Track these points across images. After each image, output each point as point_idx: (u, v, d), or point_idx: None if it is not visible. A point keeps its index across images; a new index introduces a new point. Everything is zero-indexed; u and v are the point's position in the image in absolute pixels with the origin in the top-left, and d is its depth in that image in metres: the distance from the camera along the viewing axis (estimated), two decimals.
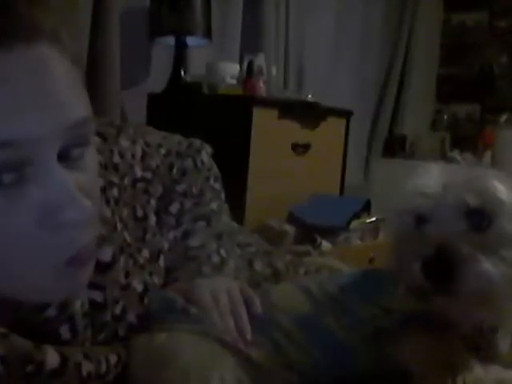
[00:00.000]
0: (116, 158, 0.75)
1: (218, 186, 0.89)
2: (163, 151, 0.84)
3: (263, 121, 2.04)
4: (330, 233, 2.02)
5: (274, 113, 2.10)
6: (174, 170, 0.84)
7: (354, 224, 2.12)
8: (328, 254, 1.81)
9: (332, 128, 2.35)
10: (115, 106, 2.06)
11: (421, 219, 0.61)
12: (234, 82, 2.20)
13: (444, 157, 3.20)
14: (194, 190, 0.84)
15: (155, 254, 0.77)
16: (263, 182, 2.04)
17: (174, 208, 0.82)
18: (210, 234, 0.83)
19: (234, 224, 0.95)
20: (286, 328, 0.68)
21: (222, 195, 0.90)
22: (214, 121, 2.03)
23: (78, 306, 0.64)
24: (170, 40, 2.23)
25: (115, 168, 0.75)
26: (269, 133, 2.06)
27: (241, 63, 2.27)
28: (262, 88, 2.12)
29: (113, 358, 0.64)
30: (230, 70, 2.23)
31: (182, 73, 2.24)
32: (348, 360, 0.67)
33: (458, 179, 0.61)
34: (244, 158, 1.99)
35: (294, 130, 2.19)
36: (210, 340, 0.65)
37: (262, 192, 2.03)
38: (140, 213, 0.77)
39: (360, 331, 0.66)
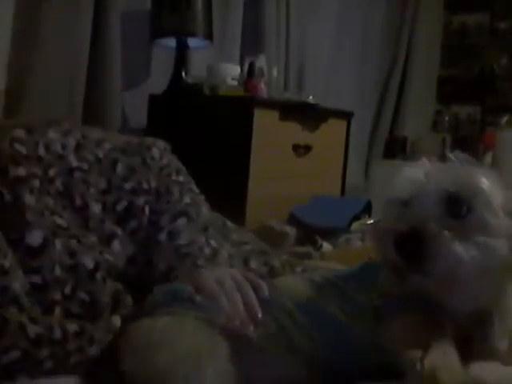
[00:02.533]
0: (41, 151, 0.78)
1: (182, 178, 0.90)
2: (107, 146, 0.87)
3: (264, 122, 2.04)
4: (330, 234, 2.02)
5: (275, 114, 2.10)
6: (119, 167, 0.86)
7: (355, 225, 2.11)
8: (329, 256, 1.80)
9: (333, 129, 2.35)
10: (116, 107, 2.07)
11: (405, 204, 0.65)
12: (235, 83, 2.20)
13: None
14: (145, 185, 0.86)
15: (105, 239, 0.80)
16: (264, 183, 2.04)
17: (121, 206, 0.84)
18: (196, 228, 0.85)
19: (216, 214, 0.97)
20: (291, 310, 0.70)
21: (192, 185, 0.91)
22: (215, 122, 2.03)
23: (18, 287, 0.66)
24: (171, 41, 2.23)
25: (38, 159, 0.78)
26: (270, 134, 2.06)
27: (242, 64, 2.27)
28: (262, 89, 2.12)
29: (71, 328, 0.66)
30: (231, 72, 2.23)
31: (183, 74, 2.24)
32: (349, 346, 0.68)
33: (444, 171, 0.65)
34: (245, 158, 1.99)
35: (295, 131, 2.19)
36: (211, 329, 0.66)
37: (262, 193, 2.03)
38: (79, 202, 0.80)
39: (360, 317, 0.68)
